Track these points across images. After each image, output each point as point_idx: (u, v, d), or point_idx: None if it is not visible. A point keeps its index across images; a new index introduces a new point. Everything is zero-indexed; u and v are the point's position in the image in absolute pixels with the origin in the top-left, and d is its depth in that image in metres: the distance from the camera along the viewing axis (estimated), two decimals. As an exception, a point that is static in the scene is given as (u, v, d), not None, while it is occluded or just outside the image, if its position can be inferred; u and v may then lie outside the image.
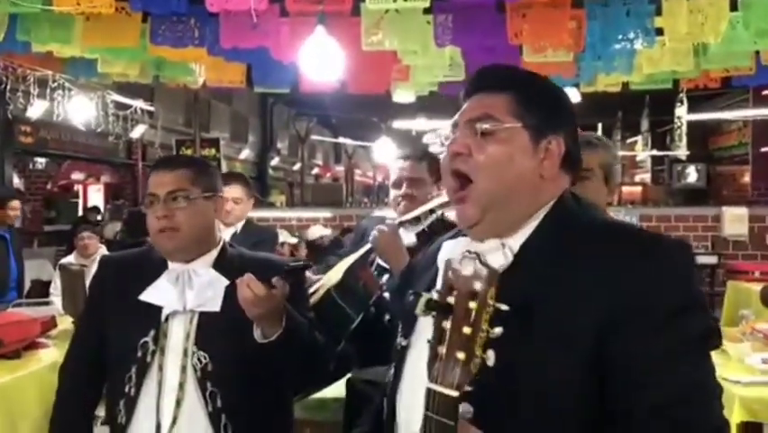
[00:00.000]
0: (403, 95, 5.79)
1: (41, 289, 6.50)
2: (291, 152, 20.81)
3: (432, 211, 2.26)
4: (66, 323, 3.50)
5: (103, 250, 5.50)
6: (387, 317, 2.20)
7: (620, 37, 3.89)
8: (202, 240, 1.82)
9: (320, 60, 3.56)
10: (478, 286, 0.92)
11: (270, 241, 3.80)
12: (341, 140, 17.76)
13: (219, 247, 1.87)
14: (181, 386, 1.71)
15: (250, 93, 16.24)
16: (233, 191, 3.58)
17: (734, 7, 3.76)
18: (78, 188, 14.61)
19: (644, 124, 17.39)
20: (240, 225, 3.66)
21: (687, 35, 3.70)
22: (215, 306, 1.75)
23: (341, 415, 2.54)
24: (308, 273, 2.06)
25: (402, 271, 1.57)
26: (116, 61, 4.87)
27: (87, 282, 3.50)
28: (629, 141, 17.05)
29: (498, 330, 0.91)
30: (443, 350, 0.93)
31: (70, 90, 6.07)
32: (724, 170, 13.93)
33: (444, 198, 2.37)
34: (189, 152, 7.85)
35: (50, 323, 3.18)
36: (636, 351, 1.01)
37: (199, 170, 1.84)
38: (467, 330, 0.91)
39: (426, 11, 3.66)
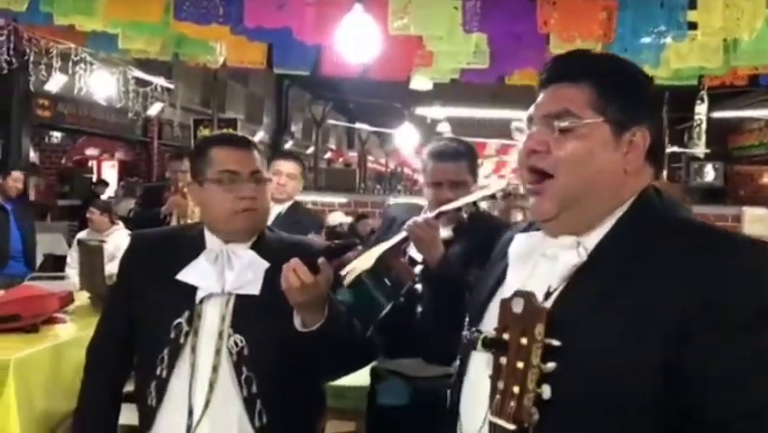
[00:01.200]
0: (421, 81, 5.72)
1: (55, 262, 6.52)
2: (305, 136, 20.78)
3: (474, 204, 2.20)
4: (83, 299, 3.48)
5: (119, 227, 5.48)
6: (418, 308, 2.14)
7: (651, 29, 3.82)
8: (262, 220, 1.81)
9: (356, 41, 3.50)
10: (527, 323, 0.96)
11: (313, 228, 3.56)
12: (357, 125, 17.68)
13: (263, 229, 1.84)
14: (215, 369, 1.66)
15: (266, 75, 16.21)
16: (288, 166, 3.56)
17: (769, 3, 3.68)
18: (93, 163, 14.65)
19: (663, 121, 17.25)
20: (286, 206, 3.58)
21: (721, 30, 3.61)
22: (255, 289, 1.70)
23: (360, 402, 2.52)
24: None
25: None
26: (137, 37, 4.83)
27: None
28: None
29: (550, 366, 0.95)
30: (501, 385, 0.98)
31: (92, 64, 6.04)
32: (742, 169, 13.78)
33: (486, 190, 2.32)
34: (207, 131, 7.81)
35: (68, 298, 3.17)
36: (710, 358, 0.96)
37: (262, 154, 1.82)
38: (520, 365, 0.96)
39: (456, -4, 3.60)
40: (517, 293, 0.98)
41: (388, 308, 2.03)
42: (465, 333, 1.20)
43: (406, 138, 13.46)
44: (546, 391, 0.94)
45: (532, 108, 1.16)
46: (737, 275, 0.98)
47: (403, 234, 2.12)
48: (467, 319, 1.23)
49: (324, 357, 1.70)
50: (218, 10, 3.70)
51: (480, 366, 1.11)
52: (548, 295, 1.05)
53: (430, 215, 2.15)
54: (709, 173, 13.23)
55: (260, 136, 16.54)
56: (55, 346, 2.72)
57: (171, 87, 8.03)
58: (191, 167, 1.85)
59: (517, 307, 0.98)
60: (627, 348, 0.97)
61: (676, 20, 3.74)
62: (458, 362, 1.22)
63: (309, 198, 7.93)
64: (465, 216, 2.23)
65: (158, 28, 4.23)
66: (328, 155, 21.73)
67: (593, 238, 1.10)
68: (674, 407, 0.97)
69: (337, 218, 7.16)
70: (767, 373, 0.96)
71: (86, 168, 14.31)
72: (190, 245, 1.77)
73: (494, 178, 18.02)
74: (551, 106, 1.12)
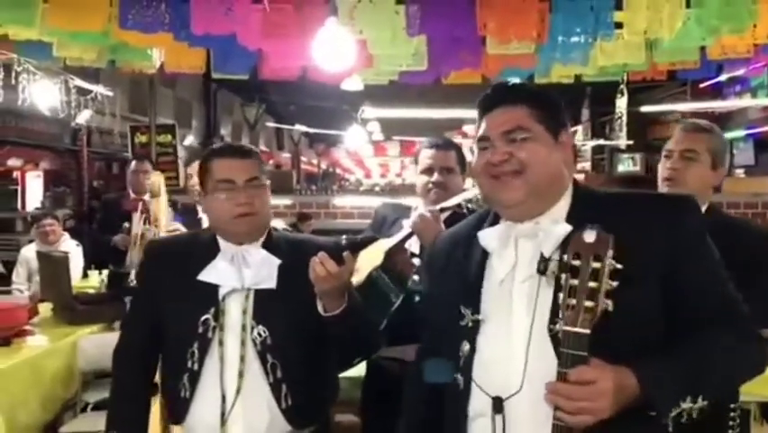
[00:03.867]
0: (353, 82, 5.85)
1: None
2: (234, 139, 20.54)
3: (468, 201, 2.37)
4: (46, 310, 3.45)
5: (66, 236, 5.37)
6: (416, 298, 2.27)
7: (581, 30, 4.04)
8: (265, 222, 1.94)
9: (331, 50, 3.58)
10: (600, 249, 1.24)
11: None
12: (297, 127, 17.62)
13: (266, 230, 1.97)
14: (242, 359, 1.81)
15: (193, 78, 15.97)
16: None
17: (687, 4, 3.96)
18: (17, 174, 14.10)
19: (585, 114, 17.88)
20: None
21: (645, 30, 3.87)
22: (272, 283, 1.86)
23: (354, 393, 2.65)
24: None
25: (429, 256, 1.71)
26: (73, 45, 4.75)
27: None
28: (570, 130, 17.50)
29: (615, 283, 1.23)
30: (572, 302, 1.24)
31: (19, 73, 5.86)
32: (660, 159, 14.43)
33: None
34: (144, 138, 7.70)
35: (34, 310, 3.14)
36: (693, 274, 1.35)
37: (260, 160, 1.95)
38: (592, 284, 1.23)
39: (399, 1, 3.72)
40: (589, 226, 1.26)
41: (400, 300, 2.16)
42: (469, 317, 1.43)
43: (354, 139, 13.53)
44: (610, 304, 1.22)
45: (484, 131, 1.45)
46: (691, 219, 1.39)
47: (407, 230, 2.27)
48: (461, 309, 1.44)
49: (342, 343, 1.86)
50: (164, 18, 3.70)
51: (499, 335, 1.39)
52: (544, 259, 1.34)
53: (434, 208, 2.30)
54: (631, 163, 13.83)
55: (189, 140, 16.31)
56: (31, 358, 2.72)
57: (110, 94, 7.86)
58: (200, 179, 1.97)
59: (590, 237, 1.25)
60: (639, 279, 1.29)
61: (604, 21, 3.97)
62: (465, 346, 1.42)
63: (251, 202, 7.88)
64: (465, 211, 2.38)
65: (98, 36, 4.18)
66: (259, 158, 21.50)
67: (555, 216, 1.42)
68: (672, 309, 1.33)
69: (277, 225, 7.11)
70: (724, 277, 1.41)
71: (10, 179, 13.77)
72: (205, 249, 1.91)
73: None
74: (506, 125, 1.42)
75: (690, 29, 4.12)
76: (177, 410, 1.85)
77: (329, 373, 2.02)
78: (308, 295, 1.76)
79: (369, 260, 2.11)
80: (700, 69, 5.31)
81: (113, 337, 2.11)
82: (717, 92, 10.85)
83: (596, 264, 1.23)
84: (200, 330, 1.81)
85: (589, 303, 1.22)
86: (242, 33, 3.96)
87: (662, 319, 1.34)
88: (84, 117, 8.93)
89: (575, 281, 1.24)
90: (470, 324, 1.42)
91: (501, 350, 1.38)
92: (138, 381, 1.96)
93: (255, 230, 1.91)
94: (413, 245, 2.38)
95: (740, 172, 11.24)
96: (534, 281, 1.36)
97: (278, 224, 7.22)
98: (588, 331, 1.22)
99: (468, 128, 17.98)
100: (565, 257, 1.27)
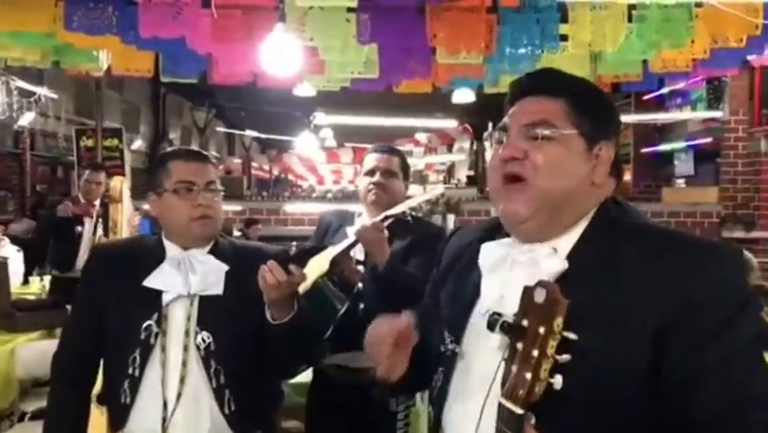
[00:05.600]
0: (305, 89, 5.85)
1: None
2: (184, 143, 20.24)
3: (413, 209, 2.40)
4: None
5: (5, 240, 5.23)
6: (361, 306, 2.29)
7: (528, 42, 4.14)
8: (217, 227, 1.94)
9: (278, 56, 3.58)
10: (547, 314, 0.98)
11: None
12: (247, 132, 17.48)
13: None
14: (184, 364, 1.79)
15: (142, 82, 15.69)
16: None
17: (629, 19, 4.09)
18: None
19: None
20: None
21: (589, 44, 3.99)
22: (218, 289, 1.85)
23: (300, 399, 2.66)
24: None
25: (440, 268, 1.50)
26: (14, 45, 4.64)
27: None
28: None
29: (565, 357, 0.97)
30: (514, 369, 1.00)
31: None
32: (606, 168, 14.79)
33: (426, 196, 2.56)
34: (90, 141, 7.52)
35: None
36: (694, 358, 1.00)
37: (216, 167, 1.96)
38: (535, 354, 0.98)
39: (350, 9, 3.74)
40: (540, 283, 1.00)
41: (345, 307, 2.17)
42: (448, 346, 1.23)
43: (305, 145, 13.51)
44: (558, 381, 0.97)
45: (507, 119, 1.20)
46: (715, 279, 1.03)
47: (352, 238, 2.30)
48: (446, 333, 1.24)
49: (286, 350, 1.85)
50: (111, 20, 3.64)
51: (467, 377, 1.17)
52: (496, 312, 1.07)
53: (377, 219, 2.33)
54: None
55: (137, 145, 15.99)
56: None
57: (54, 96, 7.66)
58: (150, 180, 1.94)
59: (539, 296, 0.99)
60: (618, 351, 1.02)
61: (550, 33, 4.08)
62: (439, 375, 1.24)
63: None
64: (409, 219, 2.41)
65: (42, 37, 4.09)
66: (209, 163, 21.25)
67: (562, 245, 1.14)
68: (664, 406, 1.02)
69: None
70: (749, 366, 1.01)
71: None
72: (151, 254, 1.89)
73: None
74: (530, 117, 1.16)
75: (632, 43, 4.26)
76: (117, 417, 1.83)
77: (273, 380, 2.03)
78: (254, 302, 1.76)
79: (314, 267, 2.13)
80: (643, 82, 5.50)
81: (52, 345, 2.06)
82: (660, 104, 11.19)
83: (542, 330, 0.98)
84: (142, 336, 1.79)
85: (528, 375, 0.98)
86: (191, 37, 3.93)
87: (646, 410, 1.03)
88: (27, 120, 8.70)
89: (520, 345, 1.00)
90: (448, 353, 1.23)
91: (465, 396, 1.16)
92: (78, 387, 1.92)
93: (210, 234, 1.92)
94: (358, 253, 2.41)
95: (681, 183, 11.61)
96: None
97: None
98: (519, 411, 0.98)
99: (420, 136, 18.14)
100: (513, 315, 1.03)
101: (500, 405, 1.00)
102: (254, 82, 5.46)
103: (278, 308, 1.76)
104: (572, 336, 0.97)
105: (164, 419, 1.77)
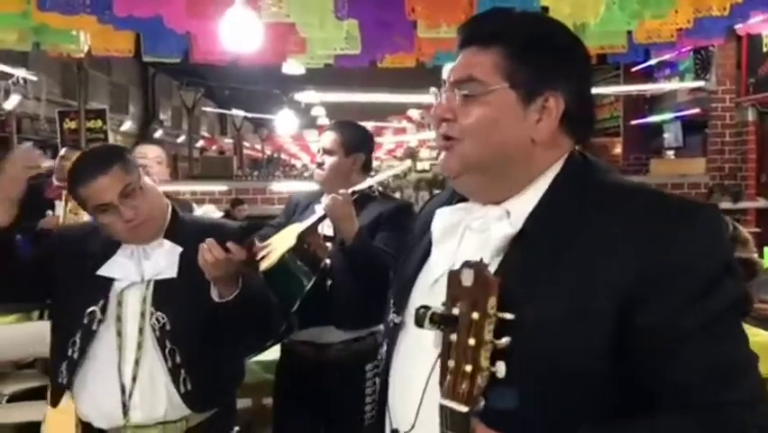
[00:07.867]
0: (293, 66, 5.80)
1: None
2: (175, 124, 20.17)
3: (381, 184, 2.42)
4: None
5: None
6: (329, 282, 2.31)
7: (509, 14, 4.11)
8: (160, 216, 1.92)
9: (239, 31, 3.54)
10: (479, 296, 0.88)
11: None
12: (234, 111, 17.38)
13: (169, 215, 1.95)
14: (139, 346, 1.81)
15: (130, 63, 15.56)
16: (153, 150, 3.65)
17: (611, -10, 4.06)
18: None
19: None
20: None
21: (569, 15, 3.95)
22: (172, 273, 1.86)
23: (265, 375, 2.67)
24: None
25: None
26: (-9, 27, 4.57)
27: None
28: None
29: (504, 340, 0.88)
30: (451, 364, 0.90)
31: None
32: (598, 141, 14.78)
33: (393, 170, 2.62)
34: (74, 123, 7.46)
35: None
36: (671, 323, 0.93)
37: (123, 159, 1.87)
38: (472, 342, 0.88)
39: (327, -16, 3.70)
40: (466, 264, 0.90)
41: (312, 283, 2.19)
42: (390, 317, 1.17)
43: (284, 123, 13.43)
44: (501, 368, 0.87)
45: (446, 72, 1.13)
46: (698, 240, 0.96)
47: (320, 213, 2.30)
48: (391, 303, 1.19)
49: (241, 326, 1.86)
50: (84, 0, 3.59)
51: (409, 350, 1.10)
52: (424, 306, 0.96)
53: (345, 191, 2.34)
54: (569, 146, 14.05)
55: (127, 126, 15.94)
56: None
57: (34, 78, 7.59)
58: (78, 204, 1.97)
59: (467, 279, 0.89)
60: (576, 320, 0.94)
61: (530, 5, 4.03)
62: (384, 348, 1.19)
63: (188, 189, 7.77)
64: (376, 193, 2.43)
65: (18, 18, 4.04)
66: (201, 143, 21.20)
67: (520, 208, 1.06)
68: (628, 376, 0.95)
69: (208, 210, 6.90)
70: (724, 334, 0.95)
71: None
72: (107, 242, 1.90)
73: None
74: (458, 73, 1.08)
75: (614, 14, 4.24)
76: (54, 394, 1.87)
77: (234, 358, 2.03)
78: (208, 281, 1.77)
79: (281, 243, 2.13)
80: (628, 53, 5.47)
81: (28, 327, 2.08)
82: (649, 76, 11.13)
83: (475, 315, 0.88)
84: (85, 321, 1.81)
85: (468, 368, 0.88)
86: (167, 15, 3.88)
87: (607, 388, 0.95)
88: (12, 103, 8.63)
89: (454, 337, 0.90)
90: (391, 324, 1.17)
91: (408, 369, 1.09)
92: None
93: (147, 233, 1.90)
94: (326, 228, 2.42)
95: (670, 154, 11.60)
96: None
97: (210, 209, 7.14)
98: (464, 409, 0.88)
99: (412, 112, 18.06)
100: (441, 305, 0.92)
101: (442, 408, 0.90)
102: (236, 61, 5.43)
103: (222, 287, 1.76)
104: (509, 315, 0.88)
105: (124, 404, 1.79)
